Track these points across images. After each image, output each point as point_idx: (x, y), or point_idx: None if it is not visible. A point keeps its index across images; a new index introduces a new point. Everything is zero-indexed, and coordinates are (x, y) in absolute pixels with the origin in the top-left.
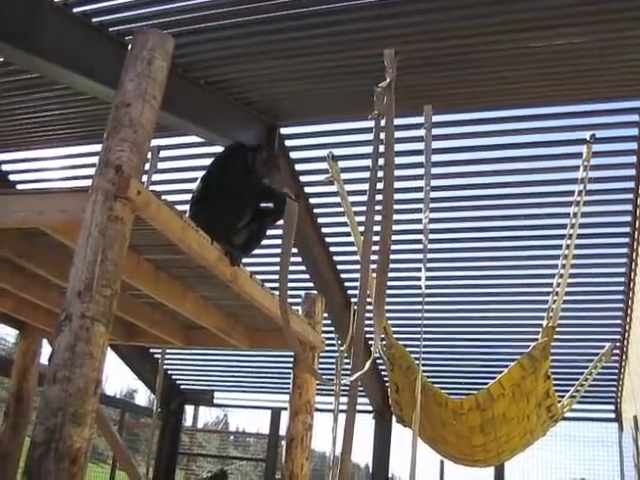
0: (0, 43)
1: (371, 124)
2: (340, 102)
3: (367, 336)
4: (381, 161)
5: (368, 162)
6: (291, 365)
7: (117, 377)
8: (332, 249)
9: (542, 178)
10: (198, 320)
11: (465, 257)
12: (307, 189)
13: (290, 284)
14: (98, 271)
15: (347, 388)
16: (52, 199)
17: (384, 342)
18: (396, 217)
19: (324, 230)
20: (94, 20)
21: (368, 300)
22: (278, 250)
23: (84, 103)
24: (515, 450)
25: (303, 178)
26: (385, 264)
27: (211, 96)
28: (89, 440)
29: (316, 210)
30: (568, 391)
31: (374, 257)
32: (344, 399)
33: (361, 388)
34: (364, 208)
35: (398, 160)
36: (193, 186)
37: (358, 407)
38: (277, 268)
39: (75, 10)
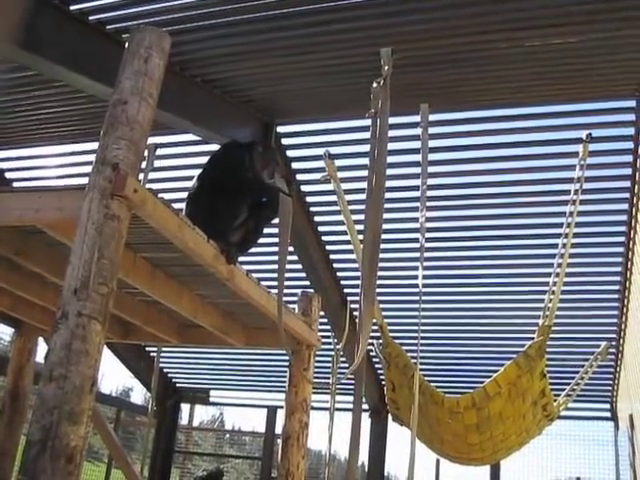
0: None
1: (368, 122)
2: (337, 100)
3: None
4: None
5: (365, 160)
6: (287, 363)
7: (113, 375)
8: (329, 247)
9: (538, 177)
10: (194, 318)
11: (462, 256)
12: (304, 188)
13: (287, 282)
14: (94, 269)
15: (347, 385)
16: (48, 197)
17: (380, 341)
18: (393, 216)
19: (321, 229)
20: (91, 18)
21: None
22: (274, 248)
23: (81, 101)
24: (511, 449)
25: (300, 176)
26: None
27: (207, 94)
28: (85, 438)
29: (313, 209)
30: (564, 390)
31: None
32: (340, 397)
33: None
34: (361, 207)
35: (395, 159)
36: (190, 184)
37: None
38: (273, 267)
39: (72, 8)
